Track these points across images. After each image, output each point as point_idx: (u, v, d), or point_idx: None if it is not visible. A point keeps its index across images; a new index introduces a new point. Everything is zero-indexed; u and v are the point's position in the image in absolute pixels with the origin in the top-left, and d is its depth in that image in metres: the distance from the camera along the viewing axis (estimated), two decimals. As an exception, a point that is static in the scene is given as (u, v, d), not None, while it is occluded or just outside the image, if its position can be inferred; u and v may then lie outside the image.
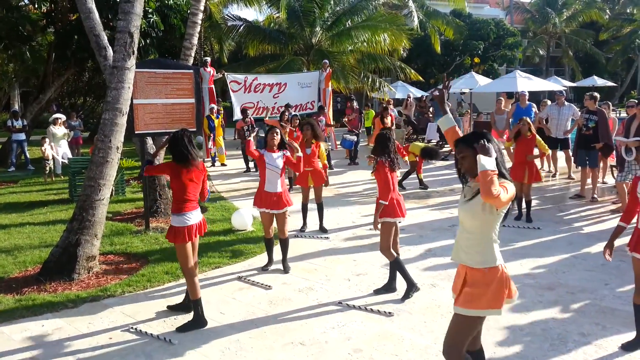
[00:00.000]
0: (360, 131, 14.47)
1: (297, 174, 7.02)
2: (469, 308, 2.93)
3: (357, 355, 4.00)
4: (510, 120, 11.32)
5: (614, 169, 10.40)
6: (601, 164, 10.06)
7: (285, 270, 5.79)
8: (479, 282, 2.92)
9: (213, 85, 14.67)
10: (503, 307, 2.97)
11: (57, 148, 12.39)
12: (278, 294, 5.20)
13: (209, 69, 14.36)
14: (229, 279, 5.61)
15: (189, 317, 4.57)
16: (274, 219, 5.78)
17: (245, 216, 7.39)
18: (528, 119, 7.84)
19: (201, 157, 14.63)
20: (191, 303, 4.51)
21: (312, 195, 7.47)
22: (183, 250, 4.45)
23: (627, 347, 4.02)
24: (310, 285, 5.40)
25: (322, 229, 7.34)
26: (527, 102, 11.25)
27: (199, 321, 4.47)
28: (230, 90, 14.32)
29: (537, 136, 7.76)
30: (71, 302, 4.98)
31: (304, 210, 7.46)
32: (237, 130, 13.31)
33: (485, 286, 2.91)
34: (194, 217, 4.48)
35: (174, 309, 4.80)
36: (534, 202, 8.54)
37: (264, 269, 5.85)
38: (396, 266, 5.06)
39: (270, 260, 5.94)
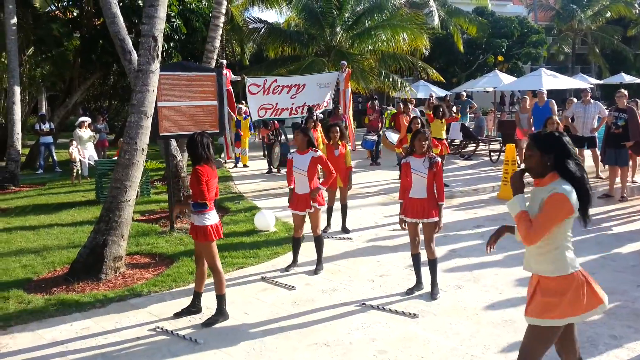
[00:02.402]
0: (381, 132, 14.39)
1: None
2: (543, 318, 2.78)
3: (382, 357, 3.98)
4: (531, 119, 11.14)
5: (644, 167, 10.15)
6: (630, 163, 9.82)
7: (316, 271, 5.74)
8: (553, 291, 2.78)
9: (231, 87, 14.74)
10: (587, 315, 2.79)
11: (84, 151, 12.64)
12: (302, 294, 5.20)
13: (225, 71, 14.46)
14: (253, 280, 5.63)
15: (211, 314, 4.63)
16: (305, 220, 5.83)
17: (268, 217, 7.42)
18: (556, 119, 7.70)
19: (222, 158, 14.83)
20: (217, 297, 4.63)
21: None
22: (214, 248, 4.58)
23: None
24: (333, 286, 5.38)
25: (345, 230, 7.33)
26: (545, 99, 11.02)
27: (223, 314, 4.61)
28: (248, 93, 14.45)
29: None
30: (99, 302, 5.07)
31: (329, 211, 7.46)
32: (260, 133, 13.48)
33: (561, 295, 2.76)
34: (215, 215, 4.61)
35: (179, 315, 4.75)
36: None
37: (287, 270, 5.85)
38: (434, 264, 5.06)
39: (295, 261, 5.95)
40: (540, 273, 2.85)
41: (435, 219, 4.97)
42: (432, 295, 5.01)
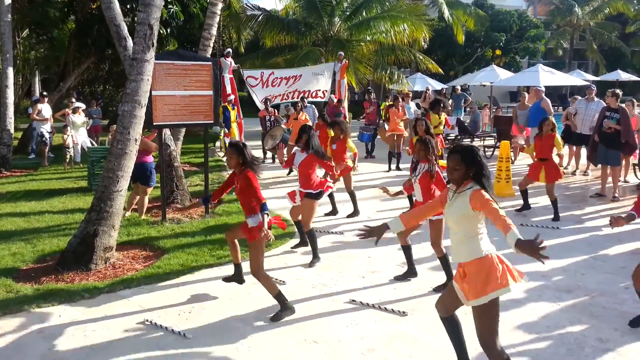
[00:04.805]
0: (379, 124, 14.36)
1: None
2: (485, 294, 3.13)
3: (371, 355, 3.99)
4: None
5: (636, 167, 10.19)
6: (623, 162, 9.85)
7: (312, 264, 5.93)
8: (477, 272, 3.18)
9: (232, 75, 14.67)
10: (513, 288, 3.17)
11: (77, 136, 12.52)
12: (292, 289, 5.19)
13: (230, 59, 14.38)
14: (244, 273, 5.60)
15: (204, 311, 4.63)
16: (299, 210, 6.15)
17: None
18: (552, 119, 7.77)
19: (220, 147, 14.64)
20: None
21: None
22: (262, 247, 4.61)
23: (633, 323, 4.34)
24: (324, 282, 5.39)
25: (356, 212, 7.84)
26: (542, 97, 11.03)
27: (289, 308, 4.62)
28: (248, 86, 14.43)
29: (557, 135, 7.71)
30: (88, 292, 5.04)
31: (332, 196, 7.83)
32: (260, 119, 13.42)
33: (484, 273, 3.15)
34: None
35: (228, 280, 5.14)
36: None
37: (294, 248, 6.32)
38: (444, 261, 5.14)
39: (303, 241, 6.29)
40: (465, 259, 3.25)
41: (440, 217, 4.92)
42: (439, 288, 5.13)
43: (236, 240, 5.02)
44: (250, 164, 4.58)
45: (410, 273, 5.41)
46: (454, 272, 3.54)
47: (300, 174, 6.00)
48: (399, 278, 5.37)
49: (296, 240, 6.55)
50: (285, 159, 8.34)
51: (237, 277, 5.10)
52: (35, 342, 4.17)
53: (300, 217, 6.12)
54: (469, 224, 3.25)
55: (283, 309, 4.56)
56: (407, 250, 5.40)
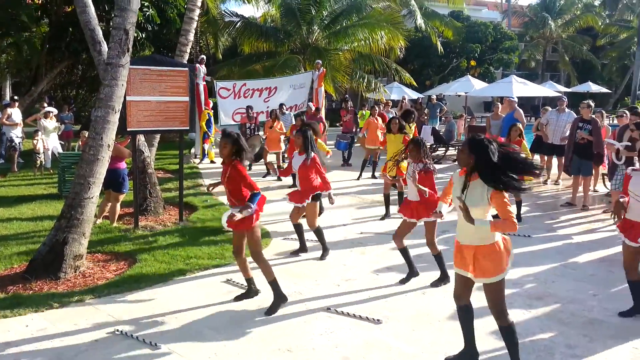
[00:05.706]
0: (356, 132, 14.41)
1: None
2: (498, 274, 3.62)
3: (344, 364, 3.98)
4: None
5: (605, 177, 10.45)
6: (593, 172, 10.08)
7: (323, 257, 6.30)
8: (488, 255, 3.61)
9: (205, 83, 14.56)
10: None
11: (48, 141, 12.26)
12: (266, 297, 5.14)
13: (203, 67, 14.29)
14: (217, 281, 5.56)
15: (176, 321, 4.55)
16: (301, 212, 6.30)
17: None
18: (520, 126, 7.93)
19: (195, 154, 14.48)
20: (270, 284, 4.89)
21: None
22: (259, 232, 4.88)
23: (624, 314, 4.73)
24: (299, 290, 5.36)
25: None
26: (515, 107, 11.23)
27: (281, 297, 4.87)
28: (218, 96, 14.29)
29: (524, 142, 7.91)
30: (57, 301, 4.91)
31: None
32: (239, 126, 13.33)
33: (499, 255, 3.63)
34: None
35: (239, 299, 5.07)
36: (523, 209, 8.51)
37: (293, 254, 6.36)
38: (439, 259, 5.50)
39: (303, 245, 6.40)
40: (481, 243, 3.60)
41: (431, 218, 5.23)
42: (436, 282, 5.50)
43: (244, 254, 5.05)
44: (242, 154, 4.72)
45: (413, 273, 5.60)
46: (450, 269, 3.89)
47: (301, 177, 6.11)
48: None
49: (295, 245, 6.62)
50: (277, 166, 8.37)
51: (252, 292, 5.15)
52: (1, 353, 4.04)
53: (299, 220, 6.32)
54: (482, 211, 3.58)
55: (276, 298, 4.83)
56: (404, 252, 5.57)
